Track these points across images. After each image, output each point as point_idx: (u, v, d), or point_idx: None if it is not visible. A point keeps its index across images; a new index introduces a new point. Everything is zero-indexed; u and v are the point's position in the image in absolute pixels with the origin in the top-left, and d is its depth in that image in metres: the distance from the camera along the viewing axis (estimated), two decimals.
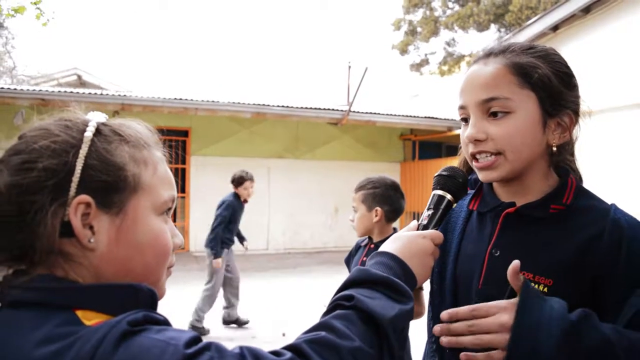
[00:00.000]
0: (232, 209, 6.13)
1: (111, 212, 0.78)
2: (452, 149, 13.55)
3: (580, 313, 0.96)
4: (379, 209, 2.70)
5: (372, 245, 2.74)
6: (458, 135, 10.26)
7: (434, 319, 1.28)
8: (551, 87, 1.09)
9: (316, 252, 12.46)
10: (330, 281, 8.55)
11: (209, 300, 5.95)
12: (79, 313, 0.71)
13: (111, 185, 0.78)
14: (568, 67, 1.14)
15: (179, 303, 5.92)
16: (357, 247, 2.88)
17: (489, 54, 1.14)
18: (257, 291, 8.11)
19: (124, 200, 0.79)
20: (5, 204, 0.75)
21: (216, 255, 5.89)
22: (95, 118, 0.83)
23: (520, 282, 0.98)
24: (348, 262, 2.92)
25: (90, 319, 0.70)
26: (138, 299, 0.77)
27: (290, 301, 7.35)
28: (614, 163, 7.32)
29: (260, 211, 12.27)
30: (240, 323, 6.16)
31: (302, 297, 7.66)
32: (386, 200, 2.72)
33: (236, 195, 6.22)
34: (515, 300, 0.97)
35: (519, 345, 0.93)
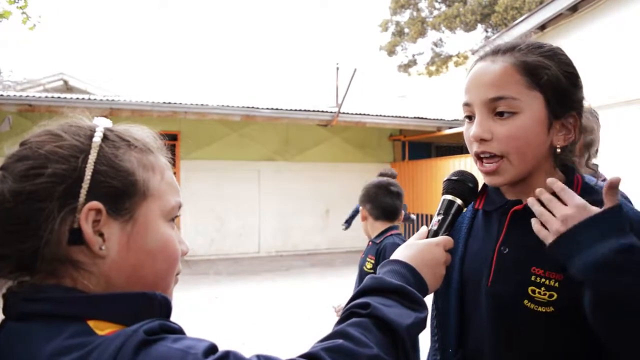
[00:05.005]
0: None
1: (122, 219, 0.76)
2: (441, 149, 13.60)
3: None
4: (361, 208, 2.85)
5: (370, 243, 2.84)
6: (447, 135, 10.37)
7: (437, 318, 1.29)
8: (558, 89, 1.08)
9: (308, 254, 12.45)
10: (323, 283, 8.59)
11: None
12: (91, 323, 0.69)
13: (121, 191, 0.76)
14: (574, 68, 1.13)
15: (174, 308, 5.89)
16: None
17: (496, 52, 1.12)
18: (249, 294, 8.08)
19: (134, 206, 0.78)
20: (12, 211, 0.72)
21: None
22: (102, 123, 0.81)
23: (615, 202, 0.96)
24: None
25: (103, 329, 0.69)
26: (152, 308, 0.75)
27: (284, 303, 7.32)
28: (606, 159, 7.36)
29: (251, 214, 12.25)
30: None
31: (296, 299, 7.64)
32: (368, 198, 2.84)
33: None
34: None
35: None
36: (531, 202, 1.04)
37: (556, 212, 0.99)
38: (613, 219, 0.94)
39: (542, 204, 1.02)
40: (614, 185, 0.95)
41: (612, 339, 0.95)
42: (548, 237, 1.00)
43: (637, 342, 0.93)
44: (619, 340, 0.94)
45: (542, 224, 1.02)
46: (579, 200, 0.98)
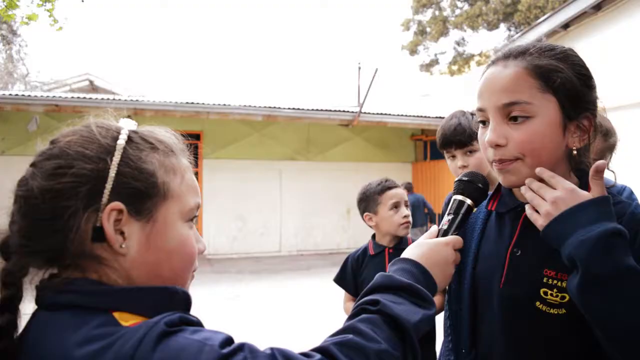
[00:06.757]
0: None
1: (142, 219, 0.80)
2: None
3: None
4: (367, 213, 2.75)
5: (391, 250, 2.69)
6: None
7: (450, 318, 1.30)
8: (572, 91, 1.07)
9: (329, 254, 12.46)
10: None
11: None
12: (116, 315, 0.73)
13: (142, 192, 0.80)
14: (587, 69, 1.12)
15: (194, 304, 5.96)
16: (364, 256, 2.78)
17: (508, 56, 1.11)
18: (270, 293, 8.13)
19: (154, 207, 0.81)
20: (40, 207, 0.76)
21: None
22: (127, 125, 0.85)
23: (602, 189, 1.02)
24: (343, 278, 2.77)
25: (127, 320, 0.73)
26: (173, 302, 0.79)
27: (305, 302, 7.36)
28: (627, 160, 7.26)
29: (273, 213, 12.31)
30: None
31: (316, 298, 7.66)
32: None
33: None
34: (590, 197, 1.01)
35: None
36: (524, 190, 1.08)
37: (546, 196, 1.03)
38: (605, 204, 1.00)
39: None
40: (600, 170, 1.01)
41: (598, 322, 0.96)
42: (539, 220, 1.04)
43: (622, 326, 0.93)
44: (604, 324, 0.95)
45: (535, 209, 1.05)
46: (568, 183, 1.02)
